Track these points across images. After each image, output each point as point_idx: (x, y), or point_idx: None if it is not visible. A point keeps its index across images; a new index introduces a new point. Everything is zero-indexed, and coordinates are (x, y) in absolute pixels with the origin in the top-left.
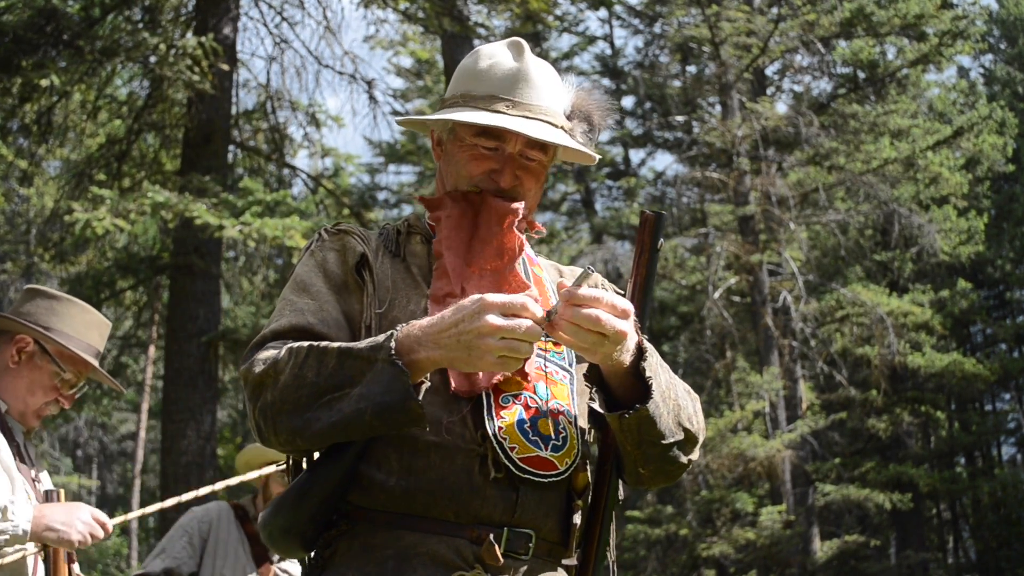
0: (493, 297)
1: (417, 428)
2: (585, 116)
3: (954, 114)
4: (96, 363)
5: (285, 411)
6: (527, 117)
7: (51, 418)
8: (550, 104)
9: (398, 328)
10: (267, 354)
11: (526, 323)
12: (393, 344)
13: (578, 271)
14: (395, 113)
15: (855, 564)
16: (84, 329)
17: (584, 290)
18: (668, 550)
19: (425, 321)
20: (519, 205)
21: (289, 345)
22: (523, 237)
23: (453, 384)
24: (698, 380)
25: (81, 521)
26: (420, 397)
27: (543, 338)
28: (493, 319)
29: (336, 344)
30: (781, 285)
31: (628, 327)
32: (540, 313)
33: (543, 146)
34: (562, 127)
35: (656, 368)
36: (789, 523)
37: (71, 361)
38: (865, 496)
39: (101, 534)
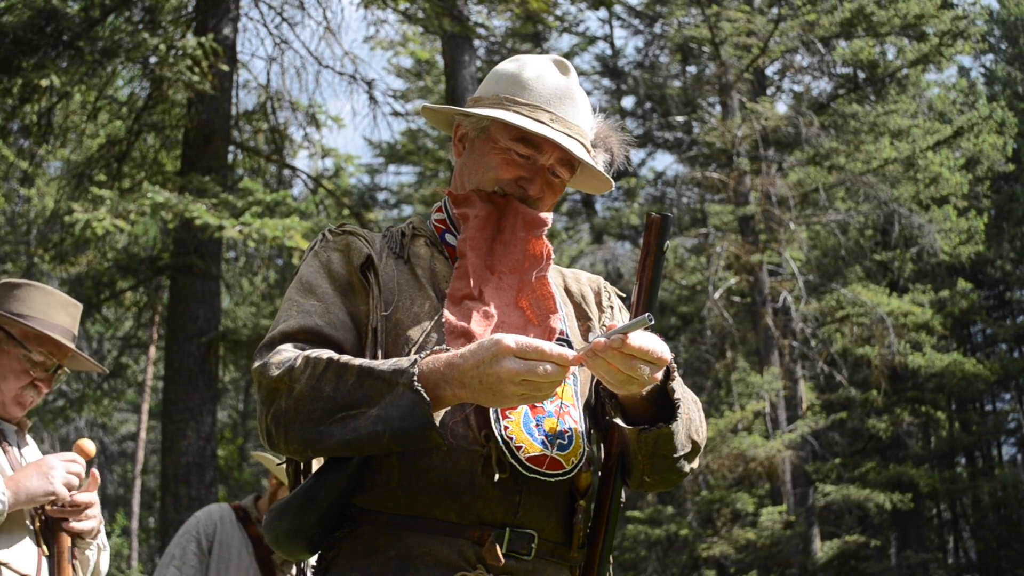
0: (508, 341)
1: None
2: (607, 148)
3: (954, 114)
4: (64, 340)
5: (299, 421)
6: (567, 134)
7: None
8: (586, 128)
9: (420, 356)
10: (282, 358)
11: (544, 366)
12: (416, 370)
13: (584, 276)
14: (395, 113)
15: (855, 564)
16: (47, 309)
17: (637, 341)
18: (668, 550)
19: (445, 356)
20: (548, 216)
21: (306, 353)
22: (551, 246)
23: None
24: (698, 380)
25: (54, 470)
26: (438, 422)
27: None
28: (511, 364)
29: (357, 361)
30: (781, 285)
31: (661, 375)
32: (557, 352)
33: (571, 165)
34: (590, 151)
35: (678, 387)
36: (789, 523)
37: (37, 341)
38: (865, 496)
39: (77, 468)
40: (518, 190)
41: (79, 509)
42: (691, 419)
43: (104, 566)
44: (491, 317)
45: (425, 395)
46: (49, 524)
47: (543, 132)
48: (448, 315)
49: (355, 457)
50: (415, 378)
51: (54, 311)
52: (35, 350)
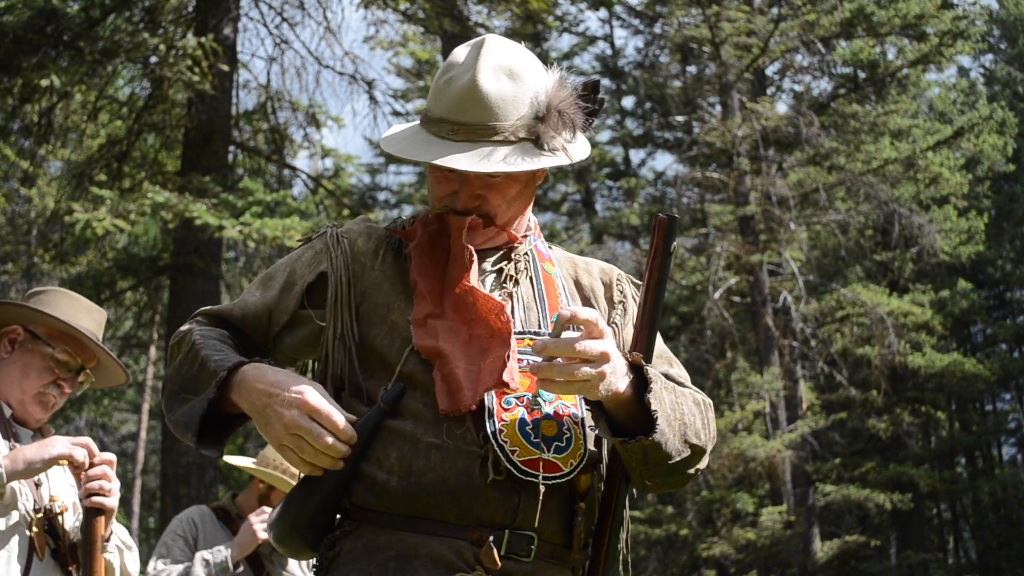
0: (314, 401)
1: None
2: (560, 112)
3: (954, 114)
4: (88, 335)
5: (166, 390)
6: (472, 140)
7: (51, 418)
8: (505, 118)
9: (255, 359)
10: (183, 328)
11: (326, 437)
12: (223, 375)
13: (596, 267)
14: (395, 113)
15: (855, 564)
16: (72, 312)
17: (557, 341)
18: (668, 550)
19: (265, 371)
20: (468, 219)
21: (198, 331)
22: (472, 249)
23: (440, 405)
24: (698, 380)
25: (56, 442)
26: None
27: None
28: (296, 416)
29: (207, 351)
30: (781, 285)
31: (607, 346)
32: (344, 425)
33: None
34: (524, 138)
35: (660, 394)
36: (789, 523)
37: (60, 339)
38: (865, 496)
39: (83, 442)
40: (454, 204)
41: (102, 475)
42: (687, 423)
43: (133, 567)
44: (457, 332)
45: (206, 406)
46: (53, 525)
47: (422, 158)
48: (417, 342)
49: (351, 451)
50: (221, 381)
51: (79, 314)
52: (59, 347)
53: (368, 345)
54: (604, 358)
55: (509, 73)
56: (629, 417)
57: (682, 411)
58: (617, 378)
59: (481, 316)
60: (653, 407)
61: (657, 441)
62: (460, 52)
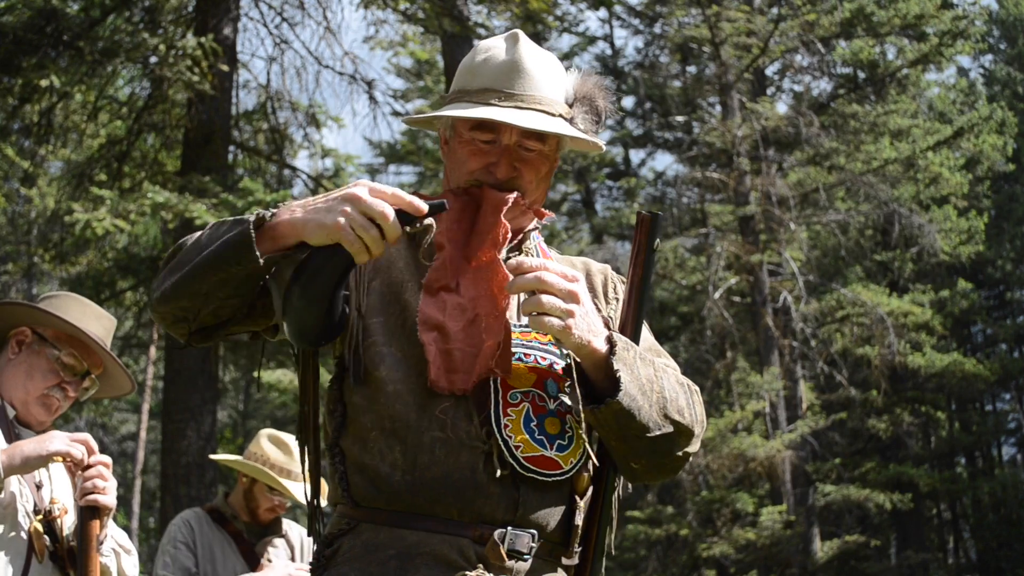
0: (368, 182)
1: (250, 269)
2: (588, 101)
3: (954, 114)
4: (95, 339)
5: (170, 267)
6: (519, 108)
7: (53, 421)
8: (546, 93)
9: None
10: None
11: (386, 208)
12: (268, 212)
13: (593, 265)
14: (395, 113)
15: (855, 564)
16: (81, 316)
17: (526, 273)
18: (668, 550)
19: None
20: (512, 195)
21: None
22: (508, 227)
23: (430, 376)
24: (698, 380)
25: (54, 438)
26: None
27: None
28: (361, 190)
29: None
30: (781, 285)
31: (578, 288)
32: (408, 199)
33: (541, 136)
34: (561, 115)
35: (631, 361)
36: (789, 523)
37: (67, 342)
38: (865, 496)
39: (82, 437)
40: (489, 176)
41: (97, 475)
42: (668, 398)
43: (132, 571)
44: (464, 310)
45: (254, 223)
46: (52, 527)
47: (482, 115)
48: (423, 307)
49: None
50: (260, 215)
51: (88, 319)
52: (65, 350)
53: (379, 321)
54: (572, 296)
55: (543, 59)
56: (607, 380)
57: (662, 384)
58: (591, 331)
59: (493, 293)
60: (616, 367)
61: (628, 408)
62: (491, 41)
